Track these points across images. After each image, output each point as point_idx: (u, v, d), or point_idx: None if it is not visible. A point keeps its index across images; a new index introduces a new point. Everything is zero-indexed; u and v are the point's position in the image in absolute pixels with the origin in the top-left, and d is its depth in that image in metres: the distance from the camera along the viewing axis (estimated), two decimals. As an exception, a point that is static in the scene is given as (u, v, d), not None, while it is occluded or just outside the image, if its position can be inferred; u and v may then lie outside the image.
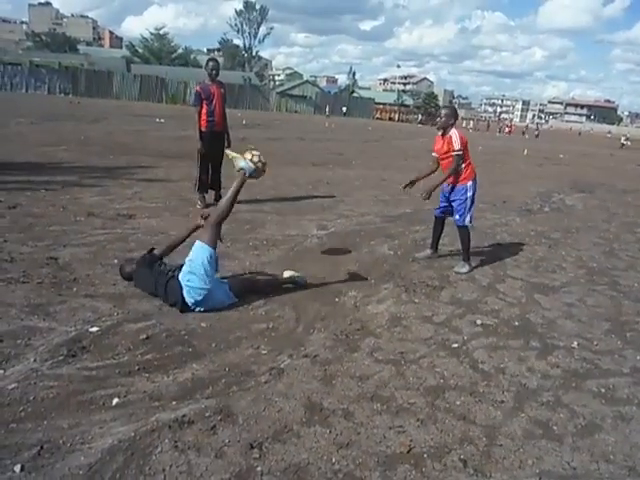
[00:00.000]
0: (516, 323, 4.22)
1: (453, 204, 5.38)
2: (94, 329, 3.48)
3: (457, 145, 5.16)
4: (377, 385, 3.08)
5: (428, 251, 5.73)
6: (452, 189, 5.35)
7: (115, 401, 2.73)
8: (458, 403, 2.97)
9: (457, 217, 5.36)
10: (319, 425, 2.65)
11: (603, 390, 3.28)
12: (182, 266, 3.95)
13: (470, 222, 5.41)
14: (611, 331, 4.23)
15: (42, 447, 2.35)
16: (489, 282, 5.17)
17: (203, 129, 7.04)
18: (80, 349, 3.22)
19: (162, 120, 23.86)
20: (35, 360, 3.05)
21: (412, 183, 5.54)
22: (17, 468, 2.21)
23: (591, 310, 4.66)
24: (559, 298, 4.90)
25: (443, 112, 5.35)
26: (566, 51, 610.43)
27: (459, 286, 4.98)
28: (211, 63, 7.12)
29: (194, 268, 3.84)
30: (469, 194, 5.31)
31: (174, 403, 2.76)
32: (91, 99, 39.34)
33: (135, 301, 3.99)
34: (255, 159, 4.41)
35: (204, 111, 6.98)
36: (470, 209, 5.35)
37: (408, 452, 2.50)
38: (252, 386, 2.97)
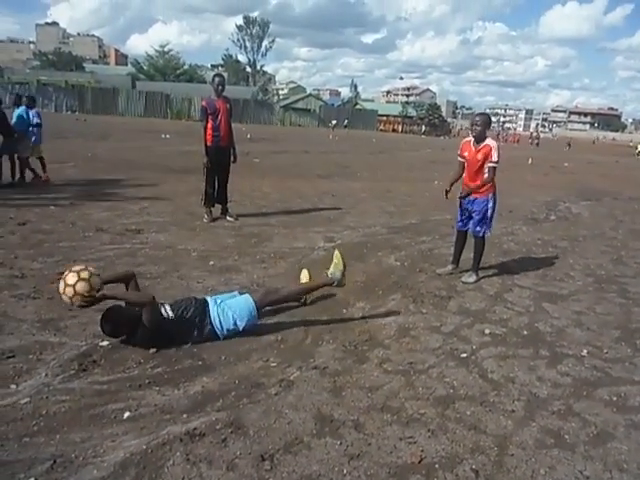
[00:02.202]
0: (525, 332, 4.21)
1: (473, 214, 5.31)
2: (104, 343, 3.51)
3: (496, 157, 5.05)
4: (387, 396, 3.08)
5: (450, 267, 5.62)
6: (473, 201, 5.28)
7: (126, 415, 2.75)
8: (468, 413, 2.96)
9: (477, 228, 5.31)
10: (330, 436, 2.65)
11: (614, 398, 3.26)
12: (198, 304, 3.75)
13: (489, 233, 5.39)
14: (621, 339, 4.21)
15: (55, 461, 2.36)
16: (497, 291, 5.16)
17: (209, 144, 7.10)
18: (91, 363, 3.25)
19: (167, 136, 24.08)
20: (47, 375, 3.08)
21: (448, 191, 5.45)
22: (31, 482, 2.23)
23: (600, 318, 4.64)
24: (568, 306, 4.89)
25: (478, 120, 5.14)
26: (568, 60, 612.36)
27: (467, 296, 4.97)
28: (217, 79, 7.20)
29: (237, 316, 3.73)
30: (490, 205, 5.26)
31: (185, 416, 2.77)
32: (97, 116, 39.73)
33: (144, 315, 4.01)
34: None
35: (210, 126, 7.05)
36: (490, 221, 5.32)
37: (419, 462, 2.49)
38: (262, 398, 2.98)
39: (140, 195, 8.88)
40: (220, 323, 3.66)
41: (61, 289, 3.29)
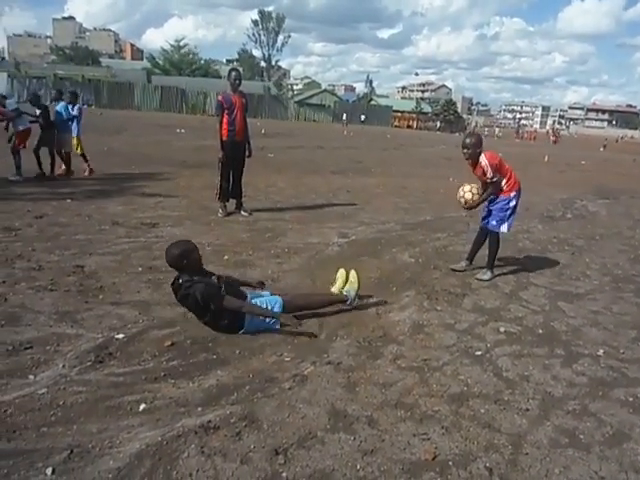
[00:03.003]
0: (540, 331, 4.18)
1: (492, 210, 5.29)
2: (120, 336, 3.54)
3: (490, 173, 5.05)
4: (401, 392, 3.08)
5: (463, 263, 5.59)
6: (495, 199, 5.27)
7: (142, 407, 2.77)
8: (482, 411, 2.95)
9: (493, 222, 5.27)
10: (343, 432, 2.66)
11: (631, 399, 3.22)
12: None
13: (507, 230, 5.36)
14: (638, 339, 4.15)
15: (72, 451, 2.40)
16: (512, 289, 5.12)
17: (224, 138, 7.12)
18: (107, 355, 3.29)
19: (183, 130, 24.21)
20: (64, 366, 3.12)
21: None
22: (49, 471, 2.26)
23: (617, 318, 4.59)
24: (584, 305, 4.84)
25: (467, 142, 5.10)
26: (587, 56, 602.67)
27: (481, 293, 4.94)
28: (234, 73, 7.20)
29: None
30: (511, 204, 5.24)
31: (200, 409, 2.79)
32: (113, 110, 40.02)
33: (159, 308, 4.05)
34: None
35: (225, 120, 7.06)
36: (509, 218, 5.29)
37: (433, 459, 2.49)
38: (276, 393, 2.99)
39: (155, 189, 8.95)
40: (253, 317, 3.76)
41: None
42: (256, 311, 3.75)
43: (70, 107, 10.10)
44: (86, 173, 10.10)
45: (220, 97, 7.16)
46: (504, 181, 5.20)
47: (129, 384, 2.99)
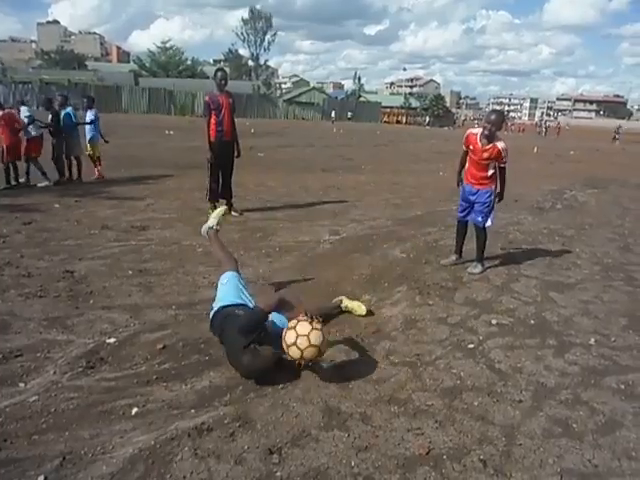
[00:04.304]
0: (532, 322, 4.19)
1: (475, 206, 5.27)
2: (111, 340, 3.52)
3: (506, 158, 5.03)
4: (394, 388, 3.08)
5: (453, 257, 5.60)
6: (476, 192, 5.24)
7: (134, 410, 2.76)
8: (476, 404, 2.95)
9: (479, 219, 5.26)
10: (337, 429, 2.66)
11: (622, 386, 3.24)
12: None
13: (491, 224, 5.36)
14: (628, 327, 4.19)
15: (64, 458, 2.38)
16: (503, 282, 5.14)
17: (212, 139, 7.09)
18: (98, 360, 3.26)
19: (171, 132, 24.10)
20: (55, 372, 3.10)
21: (459, 180, 5.46)
22: (40, 479, 2.25)
23: (607, 306, 4.62)
24: (575, 295, 4.86)
25: (492, 119, 4.95)
26: (573, 47, 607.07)
27: (473, 287, 4.96)
28: (219, 73, 7.17)
29: None
30: (492, 197, 5.24)
31: (193, 411, 2.78)
32: (101, 114, 39.59)
33: (151, 311, 4.03)
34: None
35: (213, 121, 7.03)
36: (492, 211, 5.30)
37: (427, 454, 2.49)
38: (269, 392, 2.99)
39: (145, 192, 8.90)
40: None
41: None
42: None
43: (89, 112, 10.31)
44: (95, 176, 10.24)
45: (207, 98, 7.13)
46: (491, 172, 5.17)
47: (121, 388, 2.97)
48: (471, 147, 5.19)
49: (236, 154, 7.40)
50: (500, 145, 4.99)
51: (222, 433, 2.60)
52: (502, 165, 5.10)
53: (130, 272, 4.86)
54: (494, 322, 4.13)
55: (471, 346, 3.69)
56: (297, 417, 2.75)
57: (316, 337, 2.98)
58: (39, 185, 9.17)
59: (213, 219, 4.44)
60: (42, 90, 43.38)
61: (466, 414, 2.85)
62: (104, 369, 3.18)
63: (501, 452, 2.54)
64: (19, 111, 9.45)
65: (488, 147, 5.03)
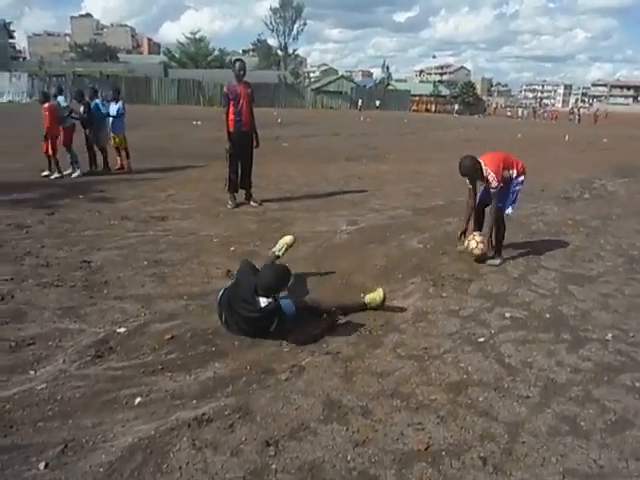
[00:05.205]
0: (547, 315, 4.08)
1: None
2: (122, 330, 3.57)
3: (495, 183, 4.94)
4: (398, 381, 3.04)
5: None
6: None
7: (138, 400, 2.79)
8: (481, 399, 2.89)
9: (499, 204, 5.13)
10: (336, 423, 2.64)
11: (638, 384, 3.13)
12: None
13: (511, 212, 5.26)
14: (649, 322, 4.04)
15: (66, 445, 2.43)
16: (521, 274, 5.02)
17: (231, 129, 7.10)
18: (107, 350, 3.32)
19: (199, 122, 24.27)
20: (64, 361, 3.16)
21: (463, 234, 5.37)
22: (41, 465, 2.30)
23: (629, 300, 4.47)
24: (595, 288, 4.72)
25: (465, 169, 5.01)
26: (610, 31, 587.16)
27: (489, 278, 4.86)
28: (238, 64, 7.17)
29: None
30: (518, 187, 5.18)
31: (195, 402, 2.80)
32: (131, 105, 40.03)
33: (162, 302, 4.07)
34: None
35: (232, 111, 7.03)
36: (515, 200, 5.22)
37: (426, 450, 2.45)
38: (272, 384, 2.99)
39: (167, 182, 9.00)
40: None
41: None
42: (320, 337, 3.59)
43: (114, 104, 10.35)
44: (117, 166, 10.43)
45: (225, 88, 7.14)
46: (514, 170, 5.12)
47: (127, 378, 3.01)
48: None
49: (255, 144, 7.39)
50: (489, 177, 4.96)
51: (221, 424, 2.61)
52: (492, 190, 5.01)
53: (145, 262, 4.92)
54: (507, 315, 4.04)
55: (481, 340, 3.61)
56: (297, 409, 2.74)
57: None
58: (73, 176, 9.41)
59: (279, 246, 4.58)
60: (75, 82, 44.19)
61: (470, 409, 2.79)
62: (112, 358, 3.23)
63: (502, 450, 2.49)
64: (57, 102, 9.66)
65: (484, 180, 5.06)
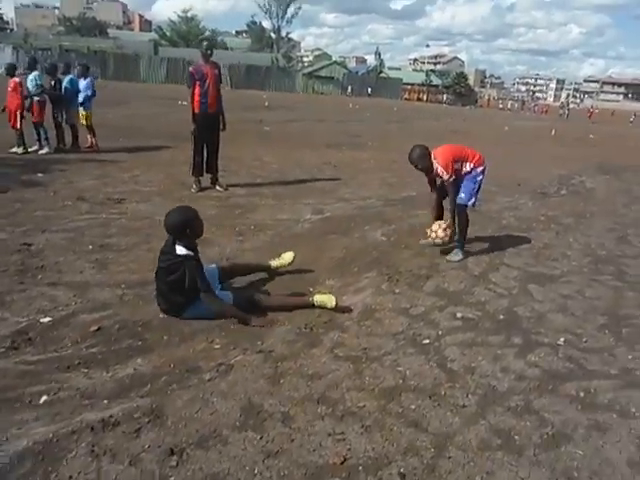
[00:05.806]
0: (501, 317, 3.91)
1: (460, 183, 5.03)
2: (45, 320, 3.35)
3: (445, 175, 4.83)
4: (328, 385, 2.85)
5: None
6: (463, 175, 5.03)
7: (43, 399, 2.59)
8: (413, 407, 2.71)
9: (462, 195, 4.96)
10: (251, 430, 2.45)
11: (582, 394, 2.97)
12: None
13: (473, 205, 5.08)
14: (605, 326, 3.88)
15: (-50, 449, 2.21)
16: (482, 271, 4.84)
17: (196, 111, 6.84)
18: (24, 341, 3.10)
19: (184, 103, 23.58)
20: (-25, 352, 2.93)
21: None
22: None
23: (588, 302, 4.31)
24: (555, 289, 4.55)
25: (414, 159, 4.99)
26: (604, 27, 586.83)
27: (447, 275, 4.68)
28: (205, 43, 6.95)
29: None
30: (479, 178, 5.01)
31: (105, 402, 2.60)
32: (119, 82, 39.52)
33: (98, 290, 3.85)
34: None
35: (197, 92, 6.76)
36: (478, 192, 5.05)
37: (342, 464, 2.27)
38: (194, 384, 2.79)
39: (135, 163, 8.71)
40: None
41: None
42: (232, 314, 3.51)
43: (83, 80, 9.98)
44: (87, 145, 10.01)
45: (191, 68, 6.87)
46: (468, 163, 4.96)
47: (38, 373, 2.80)
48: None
49: (222, 127, 7.13)
50: (437, 169, 4.91)
51: (127, 428, 2.41)
52: (446, 183, 4.91)
53: (90, 247, 4.69)
54: (459, 315, 3.86)
55: (426, 341, 3.43)
56: (213, 414, 2.55)
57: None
58: (40, 152, 9.09)
59: (279, 261, 4.35)
60: (61, 57, 43.30)
61: (399, 419, 2.61)
62: (28, 351, 3.01)
63: (425, 465, 2.31)
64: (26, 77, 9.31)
65: (432, 174, 5.05)
